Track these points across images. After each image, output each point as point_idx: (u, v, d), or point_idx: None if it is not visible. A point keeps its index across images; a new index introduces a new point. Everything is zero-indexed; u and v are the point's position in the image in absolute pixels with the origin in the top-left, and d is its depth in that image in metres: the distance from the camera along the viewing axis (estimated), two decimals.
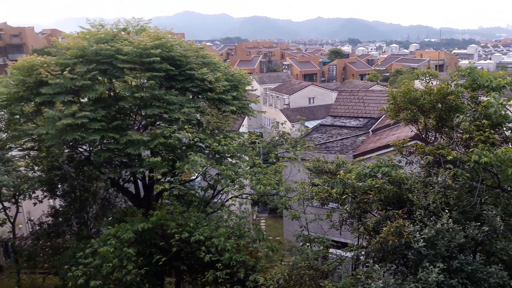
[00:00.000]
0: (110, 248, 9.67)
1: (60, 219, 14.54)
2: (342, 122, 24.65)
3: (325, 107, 45.41)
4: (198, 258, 9.95)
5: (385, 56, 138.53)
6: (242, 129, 20.88)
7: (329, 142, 20.70)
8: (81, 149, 13.46)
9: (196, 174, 12.04)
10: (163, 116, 11.91)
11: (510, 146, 8.49)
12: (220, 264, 9.26)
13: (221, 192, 12.50)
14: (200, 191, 12.84)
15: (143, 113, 12.27)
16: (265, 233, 11.80)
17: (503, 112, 8.54)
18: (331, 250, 11.30)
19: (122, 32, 13.27)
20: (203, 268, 10.13)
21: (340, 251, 10.68)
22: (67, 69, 11.18)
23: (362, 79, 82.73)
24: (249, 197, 12.69)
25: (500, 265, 6.83)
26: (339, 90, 33.37)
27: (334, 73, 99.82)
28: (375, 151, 15.75)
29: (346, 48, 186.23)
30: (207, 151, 11.95)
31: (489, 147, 7.70)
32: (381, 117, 22.63)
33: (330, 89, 51.66)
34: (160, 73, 11.41)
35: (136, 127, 12.90)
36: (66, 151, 13.22)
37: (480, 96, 9.79)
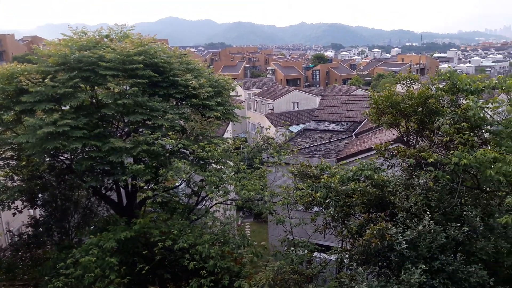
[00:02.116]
0: (92, 258, 9.51)
1: (41, 229, 14.22)
2: (326, 126, 24.87)
3: (309, 112, 45.72)
4: (182, 266, 9.85)
5: (368, 60, 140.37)
6: (226, 135, 20.87)
7: (313, 146, 20.83)
8: (62, 158, 13.25)
9: (180, 181, 11.96)
10: (146, 123, 11.83)
11: (489, 148, 8.66)
12: (204, 272, 9.18)
13: (206, 198, 12.45)
14: (184, 198, 12.75)
15: (126, 120, 12.17)
16: (250, 238, 11.77)
17: (481, 115, 8.73)
18: (315, 253, 11.34)
19: (105, 39, 13.19)
20: (187, 276, 10.03)
21: (324, 254, 10.72)
22: (48, 76, 11.02)
23: (345, 84, 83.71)
24: (233, 203, 12.64)
25: (480, 264, 6.94)
26: (322, 94, 33.70)
27: (317, 78, 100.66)
28: (358, 155, 15.91)
29: (329, 53, 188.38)
30: (191, 158, 11.89)
31: (468, 149, 7.85)
32: (363, 121, 22.91)
33: (313, 94, 52.06)
34: (143, 79, 11.35)
35: (119, 134, 12.76)
36: (47, 160, 12.99)
37: (460, 99, 10.00)
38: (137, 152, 10.62)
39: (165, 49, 13.13)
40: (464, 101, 9.45)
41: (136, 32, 13.92)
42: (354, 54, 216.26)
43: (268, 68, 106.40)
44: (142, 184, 10.58)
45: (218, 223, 10.93)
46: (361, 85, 68.55)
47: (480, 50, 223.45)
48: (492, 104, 8.84)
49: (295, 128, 36.58)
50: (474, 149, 8.19)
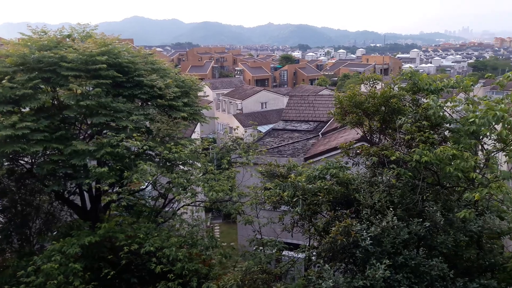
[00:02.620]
0: (54, 265, 9.18)
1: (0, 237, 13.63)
2: (294, 126, 25.13)
3: (277, 112, 46.05)
4: (149, 270, 9.68)
5: (333, 61, 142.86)
6: (194, 136, 20.70)
7: (281, 146, 20.99)
8: (22, 162, 12.75)
9: (146, 184, 11.77)
10: (110, 124, 11.55)
11: (448, 145, 9.00)
12: (172, 275, 9.07)
13: (173, 200, 12.29)
14: (150, 200, 12.54)
15: (89, 122, 11.84)
16: (219, 239, 11.74)
17: (441, 114, 9.06)
18: (284, 252, 11.43)
19: (67, 39, 12.80)
20: (154, 280, 9.87)
21: (292, 253, 10.82)
22: (6, 77, 10.57)
23: (312, 84, 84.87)
24: (201, 205, 12.53)
25: (440, 258, 7.20)
26: (290, 95, 33.98)
27: (285, 78, 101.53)
28: (324, 154, 16.16)
29: (296, 54, 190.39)
30: (158, 159, 11.72)
31: (429, 147, 8.13)
32: (330, 120, 23.29)
33: (281, 94, 52.50)
34: (107, 80, 11.08)
35: (82, 137, 12.41)
36: (6, 164, 12.46)
37: (421, 99, 10.32)
38: (101, 154, 10.36)
39: (130, 49, 12.87)
40: (424, 100, 9.77)
41: (99, 31, 13.59)
42: (320, 54, 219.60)
43: (236, 68, 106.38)
44: (106, 188, 10.33)
45: (186, 225, 10.82)
46: (327, 85, 69.70)
47: (441, 51, 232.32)
48: (451, 103, 9.21)
49: (263, 128, 36.76)
50: (435, 146, 8.50)
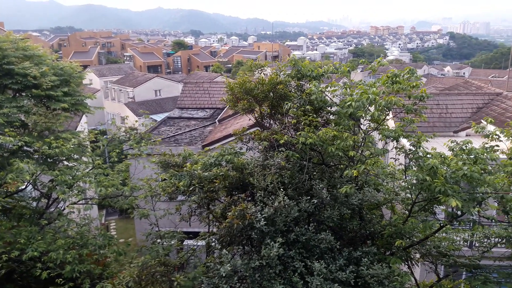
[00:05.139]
0: None
1: None
2: (190, 114, 24.81)
3: (172, 99, 44.96)
4: (35, 277, 8.84)
5: (227, 48, 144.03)
6: (80, 128, 19.20)
7: (178, 134, 20.59)
8: None
9: (25, 183, 10.63)
10: None
11: (330, 127, 9.69)
12: (61, 279, 8.40)
13: (58, 200, 11.32)
14: (32, 201, 11.37)
15: None
16: (115, 236, 11.16)
17: (323, 98, 9.71)
18: (184, 242, 11.33)
19: None
20: (43, 286, 9.06)
21: (192, 241, 10.78)
22: None
23: (207, 71, 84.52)
24: (90, 202, 11.74)
25: (328, 231, 7.80)
26: (184, 81, 33.39)
27: (179, 64, 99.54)
28: (221, 140, 16.30)
29: (189, 40, 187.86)
30: (37, 156, 10.64)
31: (313, 130, 8.68)
32: (226, 107, 23.49)
33: (176, 81, 51.26)
34: None
35: None
36: None
37: (305, 84, 10.91)
38: None
39: None
40: (308, 86, 10.35)
41: None
42: (213, 41, 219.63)
43: (125, 54, 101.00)
44: None
45: (74, 226, 10.06)
46: (222, 72, 70.02)
47: (325, 38, 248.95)
48: (331, 88, 9.90)
49: (159, 117, 35.68)
50: (319, 129, 9.09)
